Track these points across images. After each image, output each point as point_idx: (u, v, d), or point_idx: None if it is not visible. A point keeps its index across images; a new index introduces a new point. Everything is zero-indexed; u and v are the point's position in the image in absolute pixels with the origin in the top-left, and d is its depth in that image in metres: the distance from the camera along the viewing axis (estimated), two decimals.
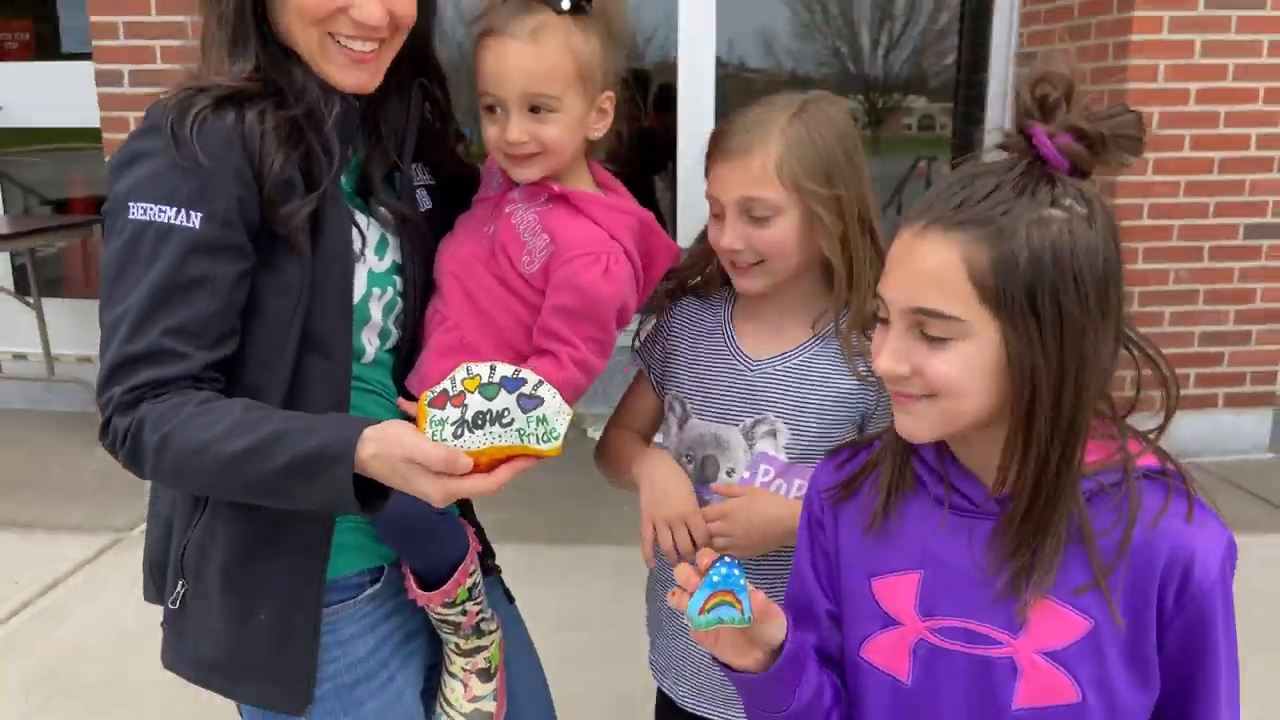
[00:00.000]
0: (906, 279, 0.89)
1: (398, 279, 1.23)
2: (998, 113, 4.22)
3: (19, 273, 4.46)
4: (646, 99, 4.57)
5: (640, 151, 4.53)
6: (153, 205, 1.05)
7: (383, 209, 1.22)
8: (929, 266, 0.87)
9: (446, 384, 1.00)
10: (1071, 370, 0.87)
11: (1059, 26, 3.87)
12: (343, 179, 1.18)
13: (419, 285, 1.25)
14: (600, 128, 1.27)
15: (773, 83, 4.63)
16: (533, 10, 1.18)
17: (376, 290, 1.20)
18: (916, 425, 0.92)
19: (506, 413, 0.99)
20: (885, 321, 0.92)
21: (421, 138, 1.27)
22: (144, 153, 1.07)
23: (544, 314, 1.23)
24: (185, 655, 1.19)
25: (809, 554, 1.09)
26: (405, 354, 1.26)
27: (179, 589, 1.16)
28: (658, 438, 1.51)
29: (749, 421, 1.35)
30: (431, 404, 0.99)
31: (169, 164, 1.05)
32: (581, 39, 1.20)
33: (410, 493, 1.00)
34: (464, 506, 1.41)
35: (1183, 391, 3.45)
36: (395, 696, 1.24)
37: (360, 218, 1.19)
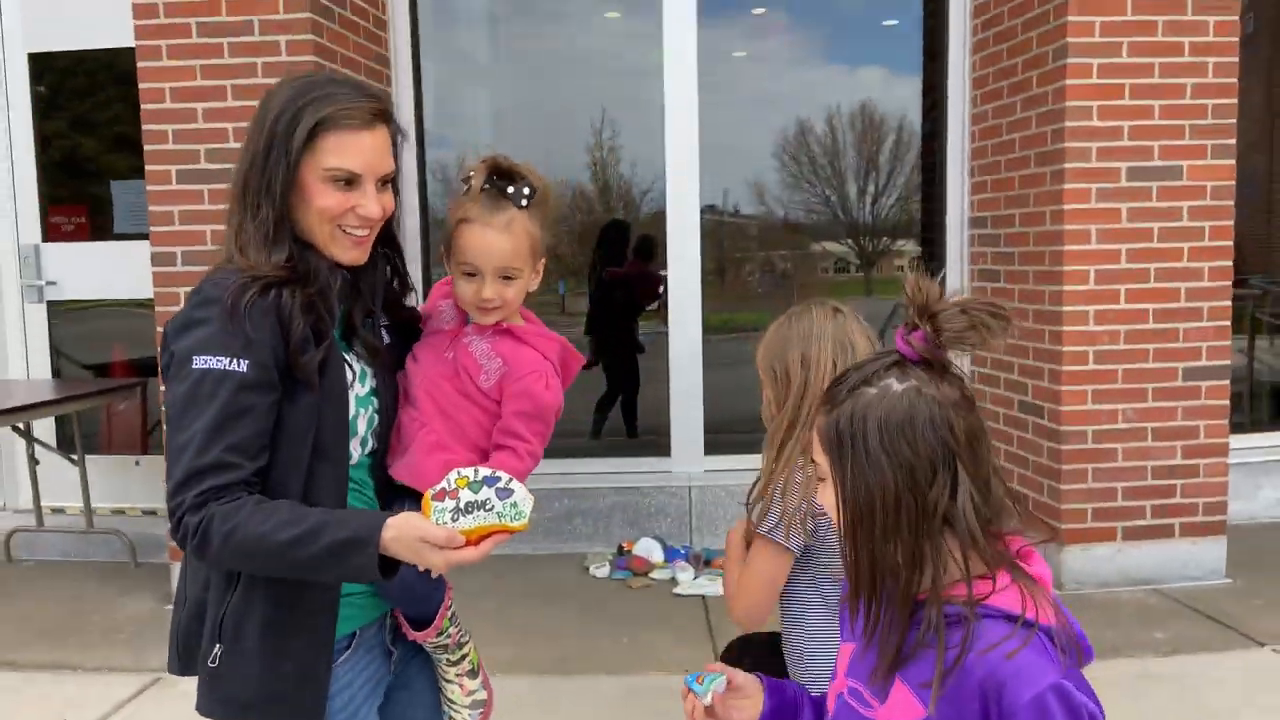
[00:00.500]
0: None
1: (374, 400, 1.61)
2: (955, 261, 4.69)
3: (59, 428, 4.84)
4: (628, 248, 5.10)
5: (625, 292, 5.07)
6: (212, 357, 1.42)
7: (361, 346, 1.61)
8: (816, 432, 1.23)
9: (444, 483, 1.41)
10: (878, 502, 1.13)
11: (1002, 195, 4.35)
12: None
13: (387, 404, 1.65)
14: (537, 283, 1.70)
15: (766, 228, 5.12)
16: (502, 207, 1.61)
17: (362, 410, 1.59)
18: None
19: (488, 502, 1.38)
20: None
21: (385, 291, 1.69)
22: (202, 319, 1.44)
23: (505, 418, 1.63)
24: (220, 698, 1.50)
25: None
26: (380, 456, 1.66)
27: (216, 650, 1.49)
28: None
29: None
30: (434, 498, 1.40)
31: (222, 327, 1.42)
32: (535, 225, 1.65)
33: (420, 564, 1.38)
34: None
35: (1140, 522, 3.79)
36: None
37: (347, 356, 1.57)
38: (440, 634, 1.72)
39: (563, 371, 1.72)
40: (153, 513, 4.82)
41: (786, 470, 1.79)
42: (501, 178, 1.64)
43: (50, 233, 4.86)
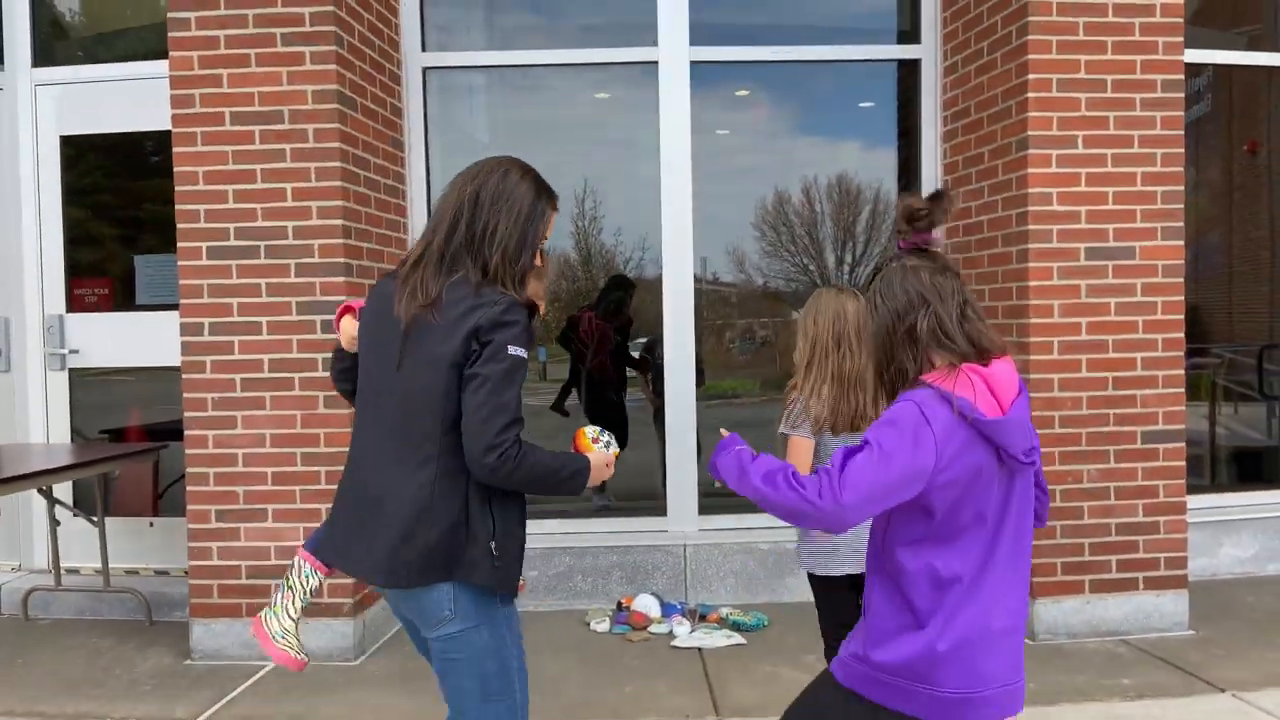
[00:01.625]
0: None
1: None
2: None
3: (78, 491, 5.03)
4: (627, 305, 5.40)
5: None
6: (519, 348, 2.05)
7: None
8: None
9: (591, 432, 2.29)
10: (883, 330, 1.90)
11: (972, 272, 4.70)
12: None
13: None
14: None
15: (746, 295, 5.44)
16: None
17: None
18: None
19: (610, 443, 2.30)
20: None
21: None
22: (513, 322, 2.04)
23: None
24: (499, 565, 2.09)
25: None
26: None
27: (492, 545, 2.08)
28: None
29: None
30: (593, 440, 2.28)
31: (524, 329, 2.07)
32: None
33: (597, 481, 2.20)
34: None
35: (1106, 576, 4.08)
36: None
37: None
38: None
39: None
40: (165, 572, 5.01)
41: (800, 390, 2.82)
42: None
43: (74, 304, 5.11)
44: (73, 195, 5.10)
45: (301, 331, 4.16)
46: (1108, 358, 4.26)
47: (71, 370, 5.12)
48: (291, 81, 4.12)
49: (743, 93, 5.42)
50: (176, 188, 4.17)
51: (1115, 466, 4.28)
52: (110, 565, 4.98)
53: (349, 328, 2.30)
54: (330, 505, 2.30)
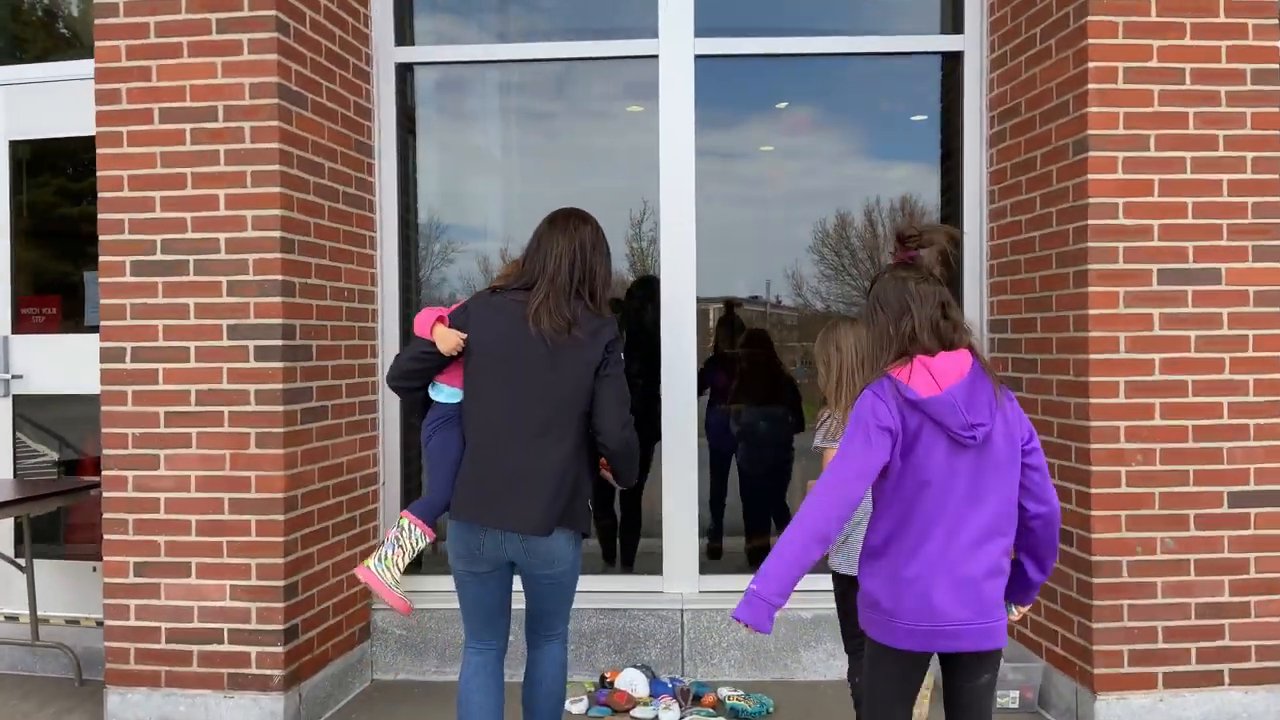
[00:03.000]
0: None
1: None
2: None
3: (19, 532, 4.55)
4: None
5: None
6: (623, 358, 2.80)
7: None
8: None
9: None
10: (878, 328, 2.30)
11: (1022, 297, 4.00)
12: None
13: None
14: None
15: (808, 318, 4.81)
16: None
17: None
18: None
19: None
20: None
21: None
22: (619, 337, 2.80)
23: None
24: (585, 501, 2.84)
25: None
26: None
27: (589, 501, 2.84)
28: None
29: None
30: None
31: (622, 342, 2.82)
32: None
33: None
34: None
35: (1185, 668, 3.30)
36: None
37: None
38: None
39: None
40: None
41: (834, 407, 3.00)
42: None
43: (20, 324, 4.66)
44: (22, 205, 4.66)
45: (233, 359, 3.62)
46: (1187, 402, 3.53)
47: (16, 396, 4.66)
48: (227, 74, 3.61)
49: (782, 105, 4.80)
50: (99, 194, 3.67)
51: (1196, 535, 3.53)
52: (52, 614, 4.52)
53: (451, 335, 2.81)
54: (433, 479, 2.93)
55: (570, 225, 2.80)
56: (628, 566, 4.61)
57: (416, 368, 2.86)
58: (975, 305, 4.34)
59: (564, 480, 2.69)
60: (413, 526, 2.94)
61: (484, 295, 2.83)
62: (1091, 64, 3.51)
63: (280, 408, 3.61)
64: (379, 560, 2.92)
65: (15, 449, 4.70)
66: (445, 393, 2.94)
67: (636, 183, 4.52)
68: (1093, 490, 3.52)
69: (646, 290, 4.62)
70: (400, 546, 2.94)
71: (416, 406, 4.61)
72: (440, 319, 2.83)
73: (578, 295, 2.75)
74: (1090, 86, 3.52)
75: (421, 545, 2.95)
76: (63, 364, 4.60)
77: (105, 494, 3.69)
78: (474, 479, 2.73)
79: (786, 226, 4.72)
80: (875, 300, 2.30)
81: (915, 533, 2.18)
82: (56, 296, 4.67)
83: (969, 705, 2.29)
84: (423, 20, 4.62)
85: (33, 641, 4.26)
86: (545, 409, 2.69)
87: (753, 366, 4.71)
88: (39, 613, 4.52)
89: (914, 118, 4.72)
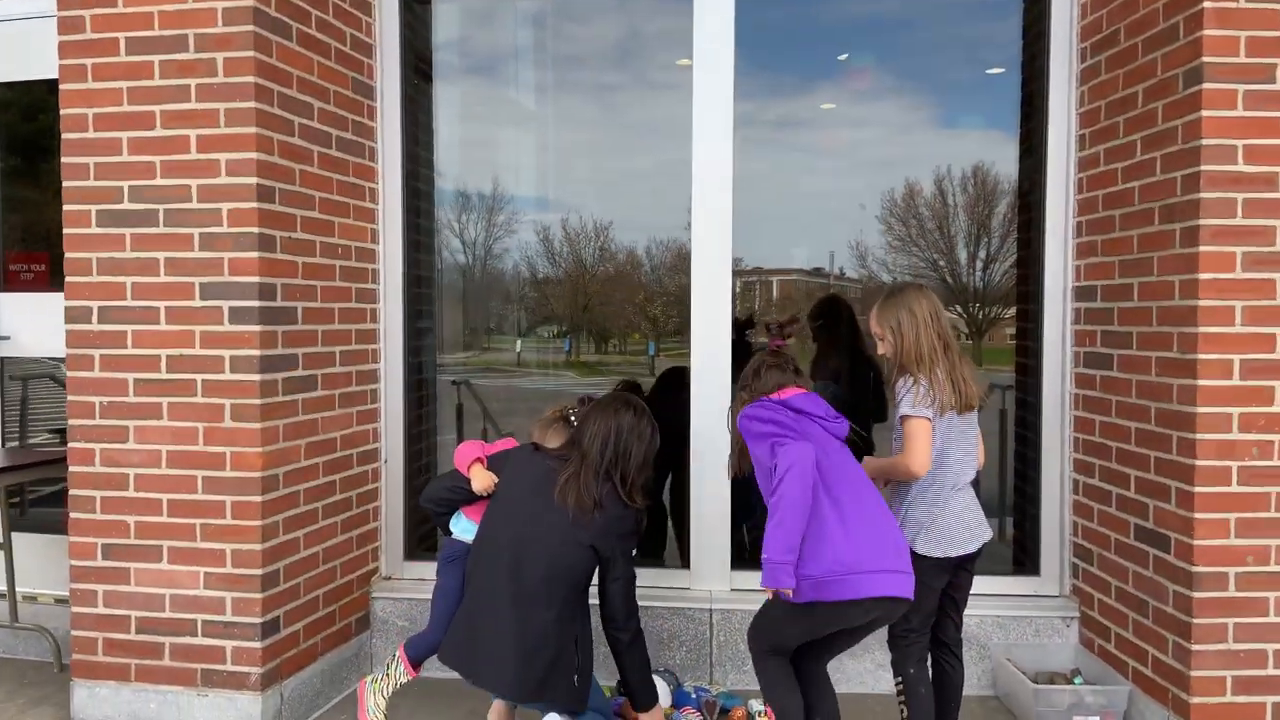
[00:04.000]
0: None
1: None
2: (1055, 343, 3.75)
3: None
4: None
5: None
6: (633, 551, 3.06)
7: None
8: None
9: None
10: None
11: (1115, 260, 3.42)
12: None
13: None
14: None
15: (872, 290, 4.33)
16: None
17: None
18: None
19: None
20: None
21: None
22: (635, 532, 3.00)
23: None
24: (582, 695, 2.92)
25: None
26: None
27: (577, 678, 2.91)
28: None
29: None
30: None
31: (638, 538, 3.06)
32: None
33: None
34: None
35: None
36: None
37: None
38: None
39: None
40: None
41: (916, 374, 2.80)
42: None
43: (9, 281, 4.34)
44: (9, 152, 4.33)
45: (205, 321, 3.23)
46: None
47: (5, 359, 4.35)
48: None
49: (843, 57, 4.25)
50: (63, 134, 3.30)
51: None
52: (39, 591, 4.24)
53: (486, 478, 3.02)
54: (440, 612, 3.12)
55: (614, 408, 3.00)
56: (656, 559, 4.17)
57: (448, 498, 3.11)
58: (1058, 269, 3.76)
59: (541, 648, 2.82)
60: (399, 662, 3.16)
61: (528, 449, 3.08)
62: None
63: (257, 376, 3.21)
64: (372, 682, 3.20)
65: (3, 413, 4.41)
66: (462, 526, 3.15)
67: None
68: (1196, 489, 2.97)
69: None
70: (388, 675, 3.18)
71: (427, 401, 4.23)
72: (479, 460, 3.05)
73: (608, 476, 2.92)
74: (1206, 5, 2.92)
75: (404, 681, 3.17)
76: (54, 323, 4.25)
77: (71, 468, 3.34)
78: (464, 628, 2.92)
79: (849, 194, 4.20)
80: (751, 372, 2.90)
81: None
82: (46, 253, 4.34)
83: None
84: None
85: (11, 623, 3.97)
86: (544, 572, 2.86)
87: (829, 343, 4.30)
88: (28, 590, 4.25)
89: (989, 71, 4.13)
